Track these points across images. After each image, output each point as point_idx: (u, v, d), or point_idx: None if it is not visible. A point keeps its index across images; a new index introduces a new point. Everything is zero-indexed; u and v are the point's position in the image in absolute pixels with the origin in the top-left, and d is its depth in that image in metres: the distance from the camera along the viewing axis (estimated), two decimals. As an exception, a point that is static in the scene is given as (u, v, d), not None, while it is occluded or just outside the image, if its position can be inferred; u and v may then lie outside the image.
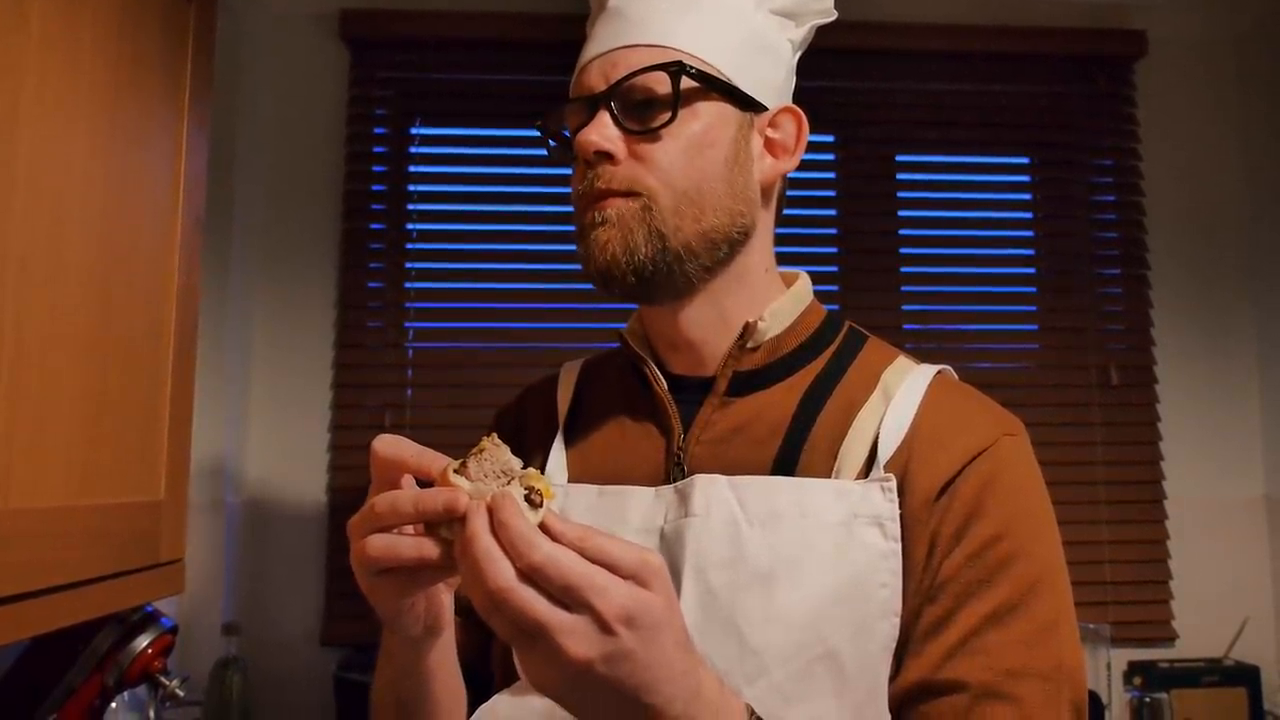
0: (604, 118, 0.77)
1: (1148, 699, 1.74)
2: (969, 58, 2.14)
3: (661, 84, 0.77)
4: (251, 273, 1.99)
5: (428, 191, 2.08)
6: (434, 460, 0.59)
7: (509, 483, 0.56)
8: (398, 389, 2.01)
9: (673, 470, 0.80)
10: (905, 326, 2.10)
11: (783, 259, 0.88)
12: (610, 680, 0.52)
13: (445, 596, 0.68)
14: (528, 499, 0.54)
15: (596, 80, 0.79)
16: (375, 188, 2.06)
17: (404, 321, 2.03)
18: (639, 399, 0.86)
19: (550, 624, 0.51)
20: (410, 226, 2.06)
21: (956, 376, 0.85)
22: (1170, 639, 2.01)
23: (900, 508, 0.73)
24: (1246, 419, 2.10)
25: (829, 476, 0.76)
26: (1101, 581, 2.01)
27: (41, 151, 0.83)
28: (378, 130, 2.08)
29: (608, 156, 0.77)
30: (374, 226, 2.05)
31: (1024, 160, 2.19)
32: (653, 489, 0.80)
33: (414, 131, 2.09)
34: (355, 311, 2.03)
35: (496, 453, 0.57)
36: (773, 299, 0.84)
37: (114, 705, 1.23)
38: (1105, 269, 2.13)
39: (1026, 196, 2.18)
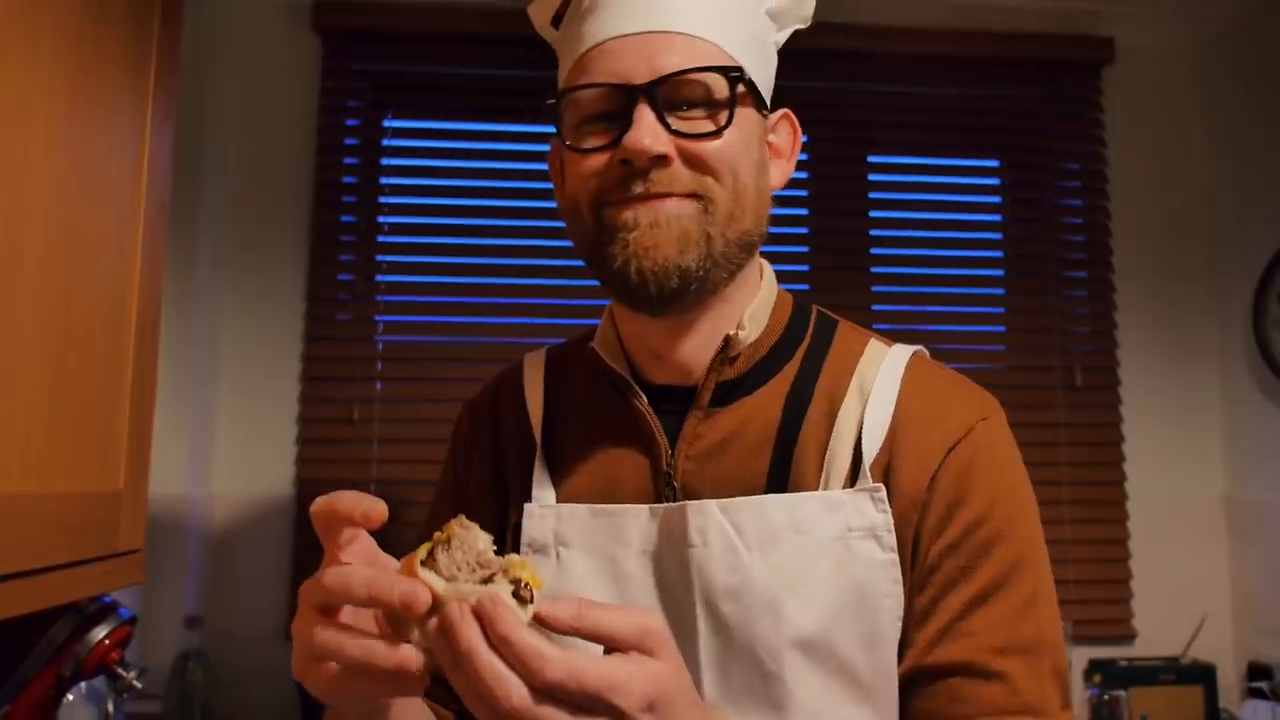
0: (650, 117, 0.71)
1: (1106, 696, 1.77)
2: (941, 61, 2.16)
3: (720, 88, 0.74)
4: (220, 263, 1.97)
5: (399, 184, 2.07)
6: (373, 506, 0.53)
7: (489, 578, 0.51)
8: (367, 382, 2.01)
9: (663, 489, 0.79)
10: (874, 326, 2.11)
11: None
12: None
13: None
14: (516, 595, 0.50)
15: (635, 66, 0.73)
16: (346, 179, 2.05)
17: (374, 314, 2.02)
18: (617, 410, 0.83)
19: None
20: (382, 219, 2.05)
21: (929, 354, 0.85)
22: (1130, 637, 2.05)
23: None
24: (1207, 421, 2.14)
25: (820, 482, 0.76)
26: (1064, 580, 2.03)
27: (-1, 134, 0.82)
28: (350, 122, 2.07)
29: (662, 158, 0.72)
30: (345, 219, 2.04)
31: (993, 163, 2.22)
32: (646, 508, 0.78)
33: (386, 124, 2.08)
34: (325, 304, 2.02)
35: (466, 536, 0.52)
36: (748, 302, 0.82)
37: (70, 697, 1.21)
38: (1071, 271, 2.17)
39: (995, 199, 2.21)
